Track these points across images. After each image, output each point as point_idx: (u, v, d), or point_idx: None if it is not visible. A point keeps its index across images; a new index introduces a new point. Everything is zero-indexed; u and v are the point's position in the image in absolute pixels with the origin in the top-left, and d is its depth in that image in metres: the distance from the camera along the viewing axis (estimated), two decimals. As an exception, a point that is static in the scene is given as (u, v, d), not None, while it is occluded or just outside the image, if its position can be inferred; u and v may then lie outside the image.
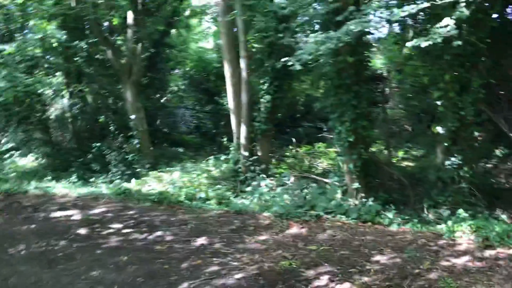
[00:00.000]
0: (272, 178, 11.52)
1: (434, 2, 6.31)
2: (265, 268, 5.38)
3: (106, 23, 16.90)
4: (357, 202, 8.76)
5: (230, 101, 12.32)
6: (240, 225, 7.60)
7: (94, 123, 18.11)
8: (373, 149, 10.40)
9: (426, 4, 6.38)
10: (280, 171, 12.21)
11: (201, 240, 6.90)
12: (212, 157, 14.32)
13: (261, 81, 11.82)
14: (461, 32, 6.67)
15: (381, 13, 6.82)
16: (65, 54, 16.42)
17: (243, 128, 11.71)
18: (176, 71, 25.12)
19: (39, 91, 15.46)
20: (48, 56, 16.60)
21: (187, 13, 19.26)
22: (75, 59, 16.29)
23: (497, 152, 13.20)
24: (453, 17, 6.12)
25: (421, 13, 7.94)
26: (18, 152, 17.87)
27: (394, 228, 7.04)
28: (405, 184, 9.86)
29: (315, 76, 10.07)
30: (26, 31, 16.81)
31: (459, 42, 6.13)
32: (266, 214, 8.15)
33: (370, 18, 6.63)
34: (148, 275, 5.46)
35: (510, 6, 10.06)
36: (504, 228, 5.69)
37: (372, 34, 9.49)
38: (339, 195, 8.93)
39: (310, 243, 6.28)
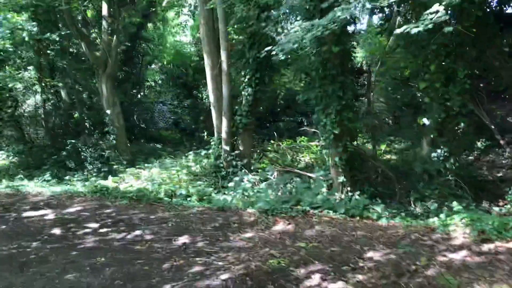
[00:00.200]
0: (254, 173, 11.22)
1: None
2: (252, 268, 5.06)
3: (79, 15, 16.33)
4: (342, 196, 8.55)
5: (210, 95, 11.96)
6: (223, 222, 7.27)
7: (68, 119, 17.63)
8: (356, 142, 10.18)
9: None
10: (263, 166, 11.93)
11: (183, 239, 6.55)
12: (192, 152, 13.98)
13: (242, 73, 11.47)
14: (450, 19, 6.48)
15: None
16: (37, 47, 15.83)
17: (224, 122, 11.36)
18: (153, 65, 24.73)
19: (9, 86, 14.83)
20: (19, 51, 15.97)
21: (164, 4, 18.77)
22: (47, 52, 15.69)
23: (478, 144, 13.26)
24: (443, 2, 5.90)
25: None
26: (-13, 150, 17.25)
27: (383, 222, 6.81)
28: (390, 178, 9.69)
29: (297, 67, 9.77)
30: (-5, 23, 16.15)
31: (450, 28, 5.92)
32: (250, 210, 7.84)
33: (356, 5, 6.35)
34: (127, 278, 5.09)
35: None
36: (500, 221, 5.50)
37: (355, 23, 9.27)
38: (324, 190, 8.68)
39: (298, 240, 5.98)
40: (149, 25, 21.40)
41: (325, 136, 8.75)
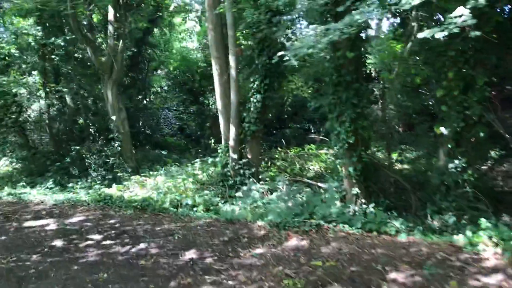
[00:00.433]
0: (262, 182, 10.84)
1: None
2: (265, 289, 4.72)
3: (85, 20, 16.10)
4: (356, 208, 8.15)
5: (218, 101, 11.61)
6: (232, 236, 6.92)
7: (72, 125, 17.35)
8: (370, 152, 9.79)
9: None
10: (271, 175, 11.56)
11: (190, 254, 6.22)
12: (198, 160, 13.64)
13: (251, 80, 11.11)
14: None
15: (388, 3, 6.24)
16: (41, 52, 15.61)
17: (232, 129, 11.01)
18: (159, 71, 24.53)
19: (14, 91, 14.58)
20: (24, 56, 15.76)
21: (171, 8, 18.55)
22: (52, 57, 15.45)
23: (492, 153, 12.83)
24: (467, 6, 5.54)
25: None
26: (-10, 156, 17.00)
27: (402, 238, 6.41)
28: (405, 189, 9.29)
29: (309, 74, 9.44)
30: (0, 27, 15.99)
31: (478, 33, 5.55)
32: (260, 223, 7.48)
33: (376, 8, 6.00)
34: (131, 297, 4.76)
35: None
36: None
37: (371, 28, 8.93)
38: (338, 202, 8.30)
39: (314, 258, 5.62)
40: (156, 30, 21.21)
41: (338, 145, 8.37)
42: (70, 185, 13.00)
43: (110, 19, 14.50)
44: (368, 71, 18.25)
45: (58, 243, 7.05)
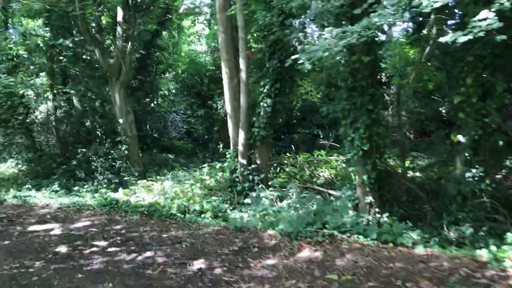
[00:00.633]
0: (272, 188, 10.59)
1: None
2: (278, 303, 4.47)
3: (93, 22, 15.97)
4: (370, 217, 7.87)
5: (227, 105, 11.38)
6: (242, 245, 6.66)
7: (79, 127, 17.21)
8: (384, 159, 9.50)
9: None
10: (280, 181, 11.29)
11: (199, 263, 5.98)
12: (206, 165, 13.42)
13: (261, 83, 10.86)
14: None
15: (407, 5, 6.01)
16: (49, 53, 15.50)
17: (241, 134, 10.76)
18: (167, 74, 24.41)
19: (21, 92, 14.45)
20: (32, 57, 15.67)
21: (180, 10, 18.39)
22: (60, 58, 15.32)
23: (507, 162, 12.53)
24: (492, 9, 5.29)
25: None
26: (-3, 157, 16.91)
27: (420, 251, 6.12)
28: (419, 198, 9.02)
29: (322, 78, 9.18)
30: (9, 28, 15.92)
31: (504, 37, 5.29)
32: (271, 232, 7.21)
33: (397, 9, 5.75)
34: (137, 310, 4.53)
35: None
36: None
37: (385, 33, 8.70)
38: (351, 211, 8.02)
39: (328, 271, 5.35)
40: (164, 33, 21.09)
41: (352, 152, 8.10)
42: (76, 188, 12.81)
43: (119, 20, 14.35)
44: (378, 77, 18.02)
45: (63, 249, 6.86)
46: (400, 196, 9.01)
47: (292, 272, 5.44)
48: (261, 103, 10.88)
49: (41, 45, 15.46)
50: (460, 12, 8.69)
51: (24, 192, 12.18)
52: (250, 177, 10.76)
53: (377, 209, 8.07)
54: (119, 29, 14.31)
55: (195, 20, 21.39)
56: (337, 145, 15.43)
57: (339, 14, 7.45)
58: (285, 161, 13.96)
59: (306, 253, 6.13)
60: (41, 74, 16.04)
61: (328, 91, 12.70)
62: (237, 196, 10.58)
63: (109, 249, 6.81)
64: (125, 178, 13.33)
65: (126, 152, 14.17)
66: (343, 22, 7.53)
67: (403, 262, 5.56)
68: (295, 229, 6.87)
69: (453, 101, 8.63)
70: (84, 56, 16.28)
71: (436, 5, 5.47)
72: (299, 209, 8.24)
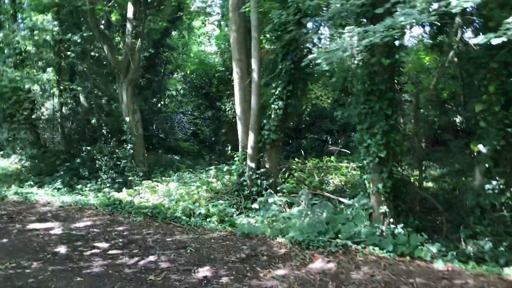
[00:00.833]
0: (280, 194, 10.23)
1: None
2: (290, 319, 4.12)
3: (103, 18, 15.75)
4: (384, 228, 7.50)
5: (237, 106, 11.04)
6: (250, 252, 6.32)
7: (85, 124, 16.96)
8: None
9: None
10: (289, 186, 10.94)
11: (204, 271, 5.64)
12: (213, 167, 13.09)
13: (273, 85, 10.50)
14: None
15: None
16: (57, 48, 15.28)
17: (251, 137, 10.40)
18: (175, 74, 24.18)
19: (26, 87, 14.23)
20: (40, 52, 15.49)
21: (192, 9, 18.15)
22: (68, 54, 15.09)
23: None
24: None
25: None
26: (1, 152, 16.65)
27: (440, 265, 5.76)
28: (434, 209, 8.65)
29: (338, 79, 8.85)
30: (19, 22, 15.74)
31: (539, 41, 4.95)
32: (280, 239, 6.86)
33: (424, 7, 5.41)
34: (138, 320, 4.20)
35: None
36: None
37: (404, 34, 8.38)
38: (365, 221, 7.64)
39: (343, 285, 4.98)
40: (174, 33, 20.86)
41: (368, 159, 7.73)
42: (79, 186, 12.55)
43: (129, 16, 14.08)
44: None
45: (62, 249, 6.56)
46: (414, 207, 8.63)
47: (304, 284, 5.08)
48: (272, 105, 10.49)
49: (49, 40, 15.24)
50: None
51: (26, 189, 11.93)
52: (259, 181, 10.40)
53: (391, 220, 7.71)
54: (129, 25, 14.05)
55: (205, 21, 21.17)
56: (346, 151, 15.09)
57: (359, 14, 7.13)
58: (294, 166, 13.63)
59: (318, 264, 5.77)
60: (48, 69, 15.80)
61: (339, 96, 12.36)
62: (244, 201, 10.23)
63: (110, 252, 6.50)
64: (130, 178, 13.04)
65: (132, 151, 13.87)
66: (363, 22, 7.20)
67: (424, 278, 5.20)
68: (307, 238, 6.52)
69: (473, 109, 8.30)
70: (92, 53, 16.06)
71: (466, 5, 5.13)
72: (309, 216, 7.88)
